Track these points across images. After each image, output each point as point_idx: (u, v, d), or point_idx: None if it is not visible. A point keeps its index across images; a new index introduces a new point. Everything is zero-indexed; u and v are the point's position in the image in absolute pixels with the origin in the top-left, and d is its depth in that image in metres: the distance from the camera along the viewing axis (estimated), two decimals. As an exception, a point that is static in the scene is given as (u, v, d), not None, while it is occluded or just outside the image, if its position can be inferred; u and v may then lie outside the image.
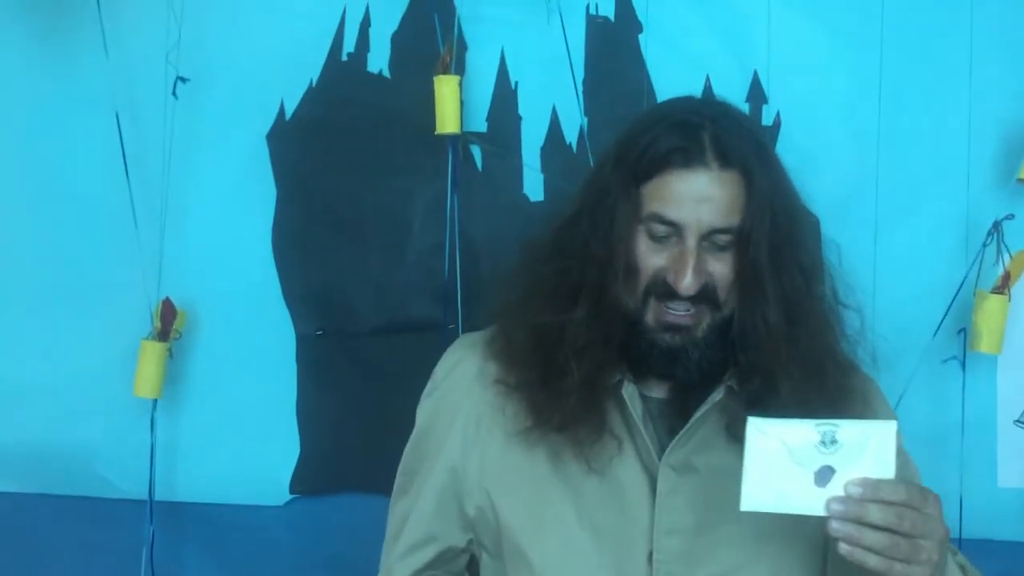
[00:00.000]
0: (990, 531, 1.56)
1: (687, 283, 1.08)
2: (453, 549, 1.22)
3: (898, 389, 1.54)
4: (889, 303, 1.54)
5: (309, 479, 1.65)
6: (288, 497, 1.65)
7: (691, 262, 1.08)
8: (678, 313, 1.11)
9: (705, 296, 1.10)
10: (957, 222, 1.56)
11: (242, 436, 1.63)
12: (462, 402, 1.20)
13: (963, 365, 1.54)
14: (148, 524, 1.60)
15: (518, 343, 1.16)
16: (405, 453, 1.26)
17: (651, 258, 1.11)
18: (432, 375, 1.26)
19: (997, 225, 1.52)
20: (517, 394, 1.15)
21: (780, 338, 1.10)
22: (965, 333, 1.53)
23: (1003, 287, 1.49)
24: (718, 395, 1.12)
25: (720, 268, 1.10)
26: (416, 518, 1.21)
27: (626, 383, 1.13)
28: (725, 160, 1.09)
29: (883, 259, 1.56)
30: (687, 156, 1.08)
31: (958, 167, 1.55)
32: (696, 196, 1.08)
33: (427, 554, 1.21)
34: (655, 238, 1.10)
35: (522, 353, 1.16)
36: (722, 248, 1.10)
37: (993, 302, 1.49)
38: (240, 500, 1.65)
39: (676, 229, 1.09)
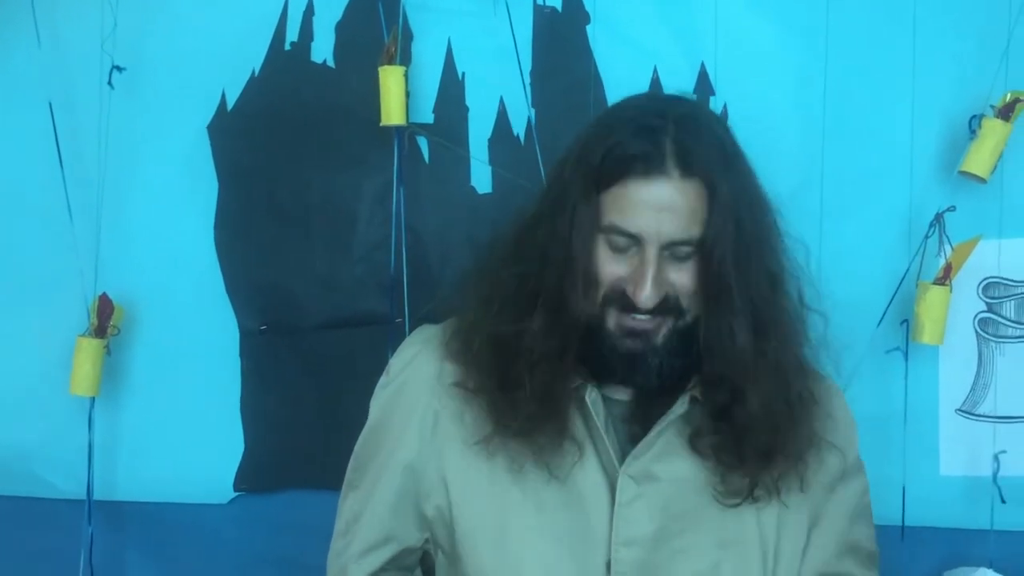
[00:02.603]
0: (932, 519, 1.58)
1: (646, 296, 1.06)
2: (409, 548, 1.20)
3: (843, 379, 1.52)
4: (834, 294, 1.52)
5: (254, 476, 1.63)
6: (232, 495, 1.63)
7: (650, 274, 1.06)
8: (639, 319, 1.09)
9: (666, 306, 1.09)
10: (900, 214, 1.57)
11: (184, 433, 1.61)
12: (419, 398, 1.18)
13: (906, 356, 1.56)
14: (87, 525, 1.57)
15: (476, 348, 1.14)
16: (358, 446, 1.23)
17: (610, 267, 1.08)
18: (387, 367, 1.23)
19: (939, 217, 1.54)
20: (476, 400, 1.13)
21: (748, 350, 1.09)
22: (908, 324, 1.55)
23: (945, 278, 1.51)
24: (681, 407, 1.11)
25: (681, 278, 1.08)
26: (371, 518, 1.19)
27: (589, 388, 1.12)
28: (687, 168, 1.05)
29: (828, 251, 1.54)
30: (647, 165, 1.05)
31: (902, 159, 1.56)
32: (656, 206, 1.05)
33: (384, 554, 1.19)
34: (615, 248, 1.08)
35: (480, 359, 1.14)
36: (683, 259, 1.08)
37: (935, 293, 1.51)
38: (183, 499, 1.62)
39: (635, 240, 1.07)
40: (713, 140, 1.09)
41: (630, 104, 1.16)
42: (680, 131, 1.07)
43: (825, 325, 1.18)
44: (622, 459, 1.11)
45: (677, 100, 1.17)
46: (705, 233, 1.06)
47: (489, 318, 1.13)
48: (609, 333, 1.10)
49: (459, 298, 1.20)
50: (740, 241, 1.07)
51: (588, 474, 1.12)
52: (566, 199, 1.10)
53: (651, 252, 1.06)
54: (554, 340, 1.09)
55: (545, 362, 1.09)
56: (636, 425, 1.13)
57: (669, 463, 1.12)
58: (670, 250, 1.07)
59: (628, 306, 1.08)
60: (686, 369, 1.11)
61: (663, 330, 1.09)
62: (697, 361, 1.10)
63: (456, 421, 1.15)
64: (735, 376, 1.09)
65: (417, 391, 1.18)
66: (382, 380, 1.23)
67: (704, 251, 1.07)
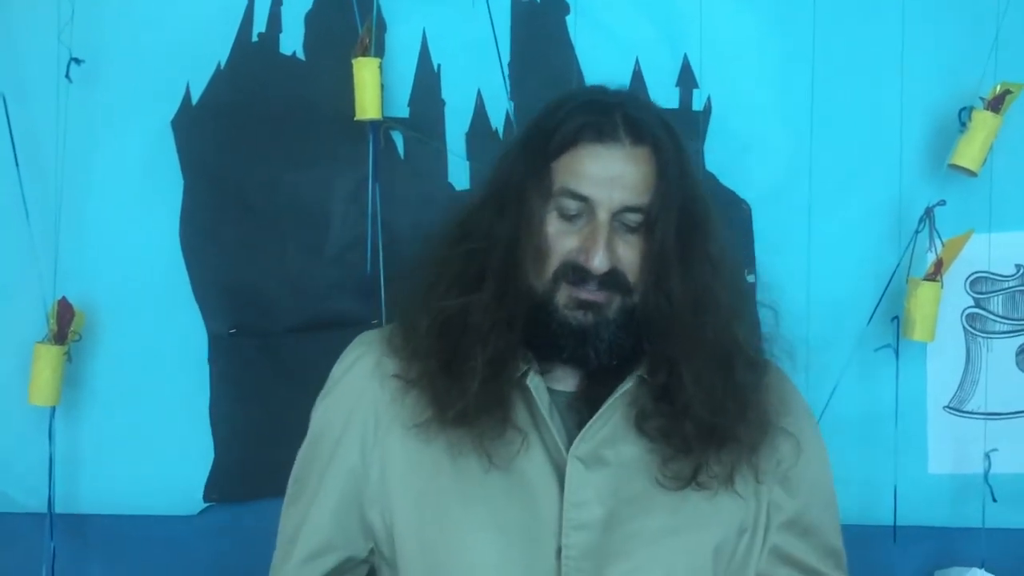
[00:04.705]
0: (922, 518, 1.57)
1: (599, 260, 1.07)
2: (353, 559, 1.17)
3: (833, 377, 1.55)
4: (823, 290, 1.55)
5: (224, 486, 1.60)
6: (202, 506, 1.60)
7: (603, 238, 1.07)
8: (591, 290, 1.09)
9: (615, 280, 1.09)
10: (890, 208, 1.56)
11: (151, 443, 1.58)
12: (359, 401, 1.16)
13: (896, 353, 1.55)
14: (48, 540, 1.54)
15: (420, 331, 1.13)
16: (298, 459, 1.21)
17: (562, 240, 1.09)
18: (330, 375, 1.21)
19: (929, 211, 1.53)
20: (416, 388, 1.12)
21: (686, 325, 1.09)
22: (898, 321, 1.53)
23: (935, 274, 1.50)
24: (628, 384, 1.11)
25: (628, 253, 1.09)
26: (313, 525, 1.16)
27: (531, 374, 1.11)
28: (637, 137, 1.09)
29: (816, 246, 1.56)
30: (599, 131, 1.09)
31: (890, 153, 1.55)
32: (608, 172, 1.08)
33: (326, 563, 1.15)
34: (565, 216, 1.09)
35: (424, 341, 1.12)
36: (631, 230, 1.10)
37: (926, 289, 1.49)
38: (150, 510, 1.59)
39: (587, 205, 1.09)
40: (659, 118, 1.14)
41: (575, 90, 1.23)
42: (628, 107, 1.12)
43: (776, 318, 1.18)
44: (569, 445, 1.10)
45: (622, 89, 1.22)
46: (652, 201, 1.09)
47: (435, 298, 1.13)
48: (559, 307, 1.10)
49: (403, 291, 1.20)
50: (684, 217, 1.10)
51: (534, 462, 1.10)
52: (513, 174, 1.12)
53: (603, 217, 1.08)
54: (502, 313, 1.09)
55: (496, 332, 1.09)
56: (581, 412, 1.13)
57: (617, 447, 1.11)
58: (620, 218, 1.09)
59: (580, 278, 1.09)
60: (633, 352, 1.11)
61: (614, 304, 1.10)
62: (642, 344, 1.11)
63: (396, 406, 1.13)
64: (672, 351, 1.10)
65: (356, 394, 1.16)
66: (324, 389, 1.21)
67: (650, 223, 1.09)
